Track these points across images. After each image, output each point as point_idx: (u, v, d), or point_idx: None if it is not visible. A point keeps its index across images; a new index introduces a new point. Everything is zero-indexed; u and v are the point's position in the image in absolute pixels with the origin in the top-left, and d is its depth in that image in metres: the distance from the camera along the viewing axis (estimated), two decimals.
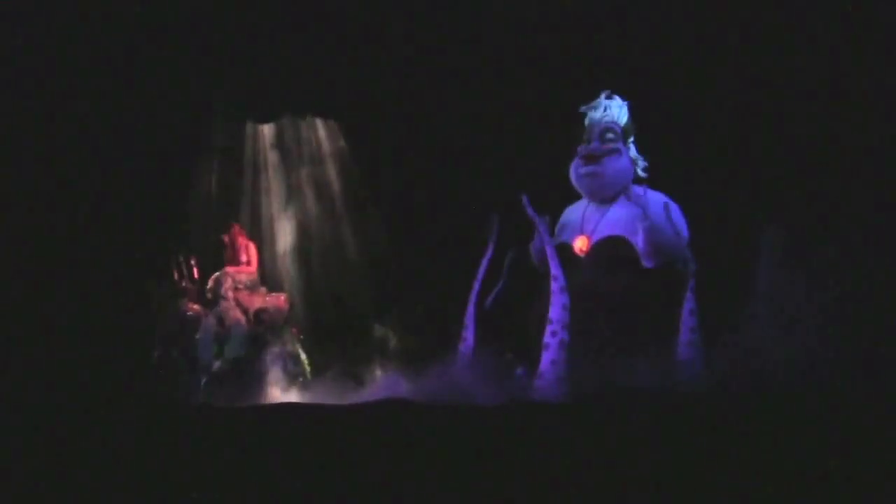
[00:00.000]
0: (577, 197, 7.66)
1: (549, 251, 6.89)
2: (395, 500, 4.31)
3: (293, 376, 8.70)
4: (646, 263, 7.00)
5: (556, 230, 7.54)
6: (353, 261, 10.41)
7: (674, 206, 7.20)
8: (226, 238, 9.33)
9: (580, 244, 7.21)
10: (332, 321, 9.99)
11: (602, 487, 4.27)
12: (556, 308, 6.60)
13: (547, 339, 6.55)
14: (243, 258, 9.22)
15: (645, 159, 7.53)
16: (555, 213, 7.64)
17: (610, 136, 7.34)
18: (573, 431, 4.82)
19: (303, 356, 9.04)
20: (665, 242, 7.01)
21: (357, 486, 4.45)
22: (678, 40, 8.48)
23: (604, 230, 7.12)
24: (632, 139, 7.53)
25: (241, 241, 9.34)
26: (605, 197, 7.31)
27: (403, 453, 4.61)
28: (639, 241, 6.98)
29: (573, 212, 7.56)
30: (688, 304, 6.72)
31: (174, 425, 5.52)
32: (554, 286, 6.67)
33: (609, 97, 7.50)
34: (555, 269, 6.74)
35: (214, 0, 9.22)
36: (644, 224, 6.94)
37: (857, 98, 7.98)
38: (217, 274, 9.15)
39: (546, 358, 6.50)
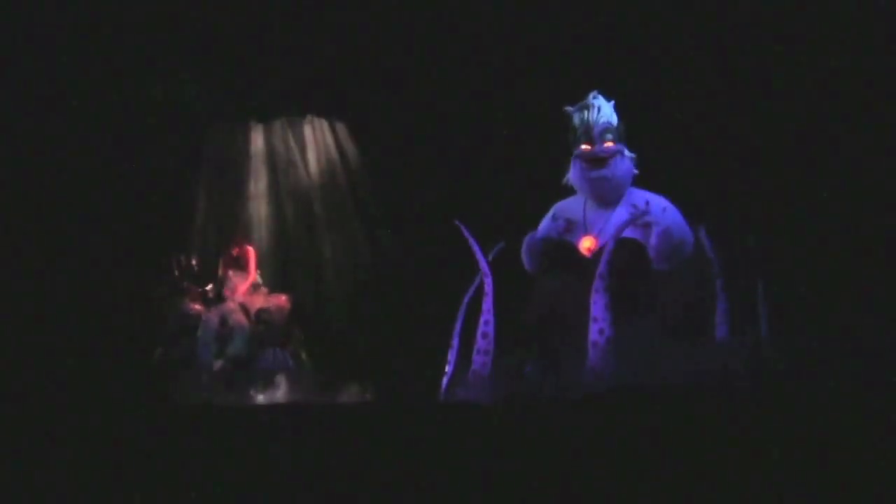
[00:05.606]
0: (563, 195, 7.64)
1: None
2: (398, 500, 4.30)
3: (294, 376, 8.69)
4: (658, 266, 7.04)
5: (555, 227, 7.49)
6: (351, 261, 10.42)
7: (674, 209, 7.23)
8: (235, 251, 9.27)
9: (588, 244, 7.18)
10: (332, 322, 10.00)
11: (633, 484, 4.25)
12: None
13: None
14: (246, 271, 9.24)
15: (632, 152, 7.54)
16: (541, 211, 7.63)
17: (609, 136, 7.29)
18: (594, 428, 4.81)
19: (304, 356, 9.03)
20: (676, 247, 7.04)
21: (359, 485, 4.43)
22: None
23: (610, 231, 7.09)
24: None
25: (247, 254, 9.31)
26: (614, 199, 7.28)
27: (407, 453, 4.59)
28: (652, 245, 7.00)
29: (571, 210, 7.50)
30: (721, 303, 6.86)
31: (175, 425, 5.51)
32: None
33: (595, 97, 7.42)
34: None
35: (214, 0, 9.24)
36: (658, 229, 6.96)
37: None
38: (220, 275, 9.18)
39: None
